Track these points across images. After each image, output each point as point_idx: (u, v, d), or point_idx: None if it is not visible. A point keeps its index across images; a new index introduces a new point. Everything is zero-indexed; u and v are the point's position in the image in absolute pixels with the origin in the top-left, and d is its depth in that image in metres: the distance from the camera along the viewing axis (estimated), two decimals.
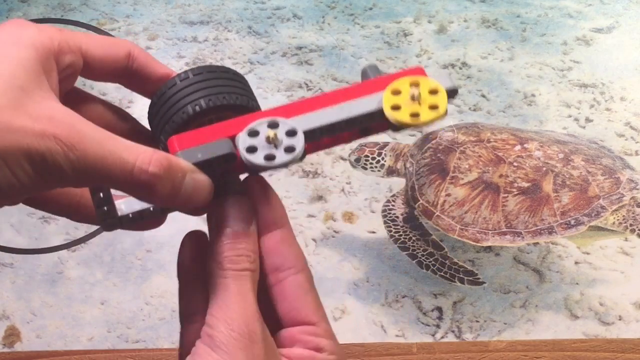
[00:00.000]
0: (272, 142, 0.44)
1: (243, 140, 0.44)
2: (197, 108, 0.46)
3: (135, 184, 0.36)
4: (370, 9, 2.40)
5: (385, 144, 1.37)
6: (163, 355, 0.79)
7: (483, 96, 1.93)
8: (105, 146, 0.35)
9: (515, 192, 1.17)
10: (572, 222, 1.14)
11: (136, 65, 0.42)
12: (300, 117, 0.47)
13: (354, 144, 1.67)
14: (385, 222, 1.26)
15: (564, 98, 1.91)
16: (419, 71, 0.49)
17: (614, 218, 1.15)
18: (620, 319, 1.27)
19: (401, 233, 1.24)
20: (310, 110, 0.48)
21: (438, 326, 1.27)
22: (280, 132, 0.45)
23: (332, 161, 1.66)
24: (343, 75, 2.03)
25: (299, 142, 0.45)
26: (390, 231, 1.25)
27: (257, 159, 0.43)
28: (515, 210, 1.16)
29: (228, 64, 2.07)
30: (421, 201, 1.23)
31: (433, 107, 0.44)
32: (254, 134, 0.45)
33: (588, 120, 1.82)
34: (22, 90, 0.35)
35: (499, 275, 1.36)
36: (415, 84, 0.46)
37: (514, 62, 2.08)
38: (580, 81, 1.97)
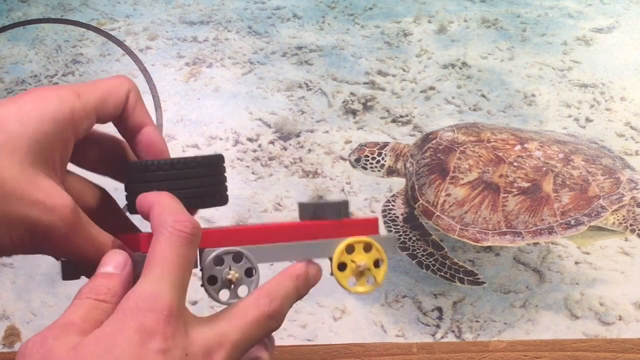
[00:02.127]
0: (232, 282, 0.50)
1: (208, 267, 0.50)
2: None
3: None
4: (370, 9, 2.40)
5: (385, 144, 1.37)
6: None
7: (483, 96, 1.93)
8: (93, 238, 0.43)
9: (515, 192, 1.16)
10: (572, 222, 1.14)
11: (127, 114, 0.46)
12: (259, 249, 0.53)
13: (354, 144, 1.67)
14: (385, 222, 1.26)
15: (564, 98, 1.91)
16: (372, 225, 0.55)
17: (614, 218, 1.15)
18: (620, 319, 1.27)
19: (401, 233, 1.24)
20: (269, 239, 0.54)
21: (438, 326, 1.27)
22: (241, 270, 0.51)
23: (332, 161, 1.66)
24: (343, 75, 2.03)
25: (252, 284, 0.51)
26: (390, 231, 1.25)
27: (213, 292, 0.49)
28: (515, 210, 1.16)
29: (228, 64, 2.08)
30: (421, 201, 1.23)
31: (370, 279, 0.53)
32: (219, 261, 0.51)
33: (588, 120, 1.82)
34: (36, 167, 0.39)
35: (499, 275, 1.36)
36: (368, 248, 0.53)
37: (514, 62, 2.08)
38: (580, 81, 1.97)
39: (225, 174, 0.58)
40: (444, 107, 1.90)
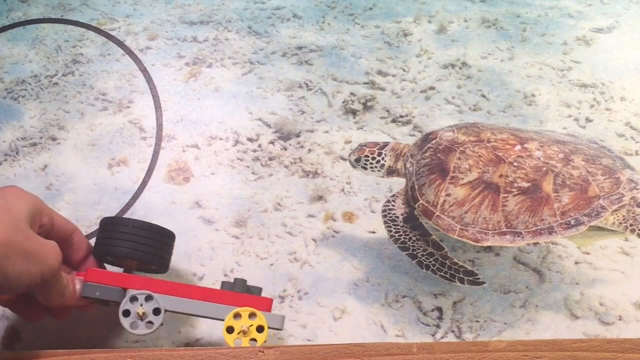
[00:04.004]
0: (140, 317, 0.72)
1: (124, 303, 0.75)
2: (127, 254, 0.79)
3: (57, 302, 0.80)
4: (370, 9, 2.40)
5: (385, 144, 1.37)
6: (163, 355, 0.79)
7: (483, 96, 1.93)
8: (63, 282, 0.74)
9: (515, 192, 1.16)
10: (572, 222, 1.14)
11: (75, 240, 0.82)
12: (170, 298, 0.75)
13: (354, 144, 1.67)
14: (385, 222, 1.26)
15: (564, 98, 1.91)
16: (266, 303, 0.83)
17: (614, 218, 1.15)
18: (620, 319, 1.27)
19: (401, 233, 1.24)
20: (181, 294, 0.75)
21: (438, 326, 1.27)
22: (150, 307, 0.72)
23: (332, 161, 1.66)
24: (343, 75, 2.03)
25: (158, 320, 0.74)
26: (390, 231, 1.25)
27: (125, 323, 0.75)
28: (515, 210, 1.16)
29: (228, 64, 2.07)
30: (421, 201, 1.23)
31: (253, 340, 0.74)
32: (133, 299, 0.73)
33: (588, 120, 1.82)
34: (30, 227, 0.60)
35: (499, 275, 1.36)
36: (253, 316, 0.75)
37: (514, 62, 2.09)
38: (580, 81, 1.97)
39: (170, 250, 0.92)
40: (444, 107, 1.90)
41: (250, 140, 1.75)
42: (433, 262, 1.20)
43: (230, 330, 0.71)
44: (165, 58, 2.13)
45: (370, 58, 2.13)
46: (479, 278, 1.19)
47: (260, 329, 0.74)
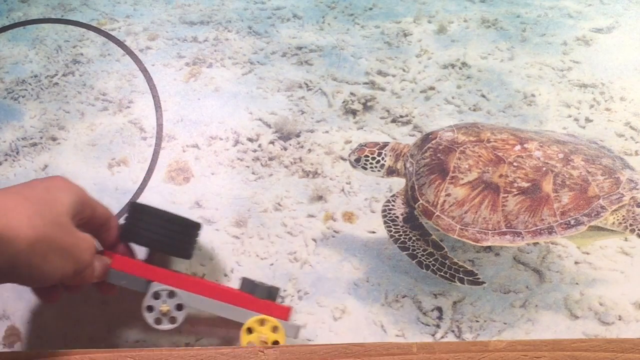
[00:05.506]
0: (164, 314, 0.73)
1: (148, 299, 0.74)
2: (150, 243, 0.79)
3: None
4: (370, 9, 2.41)
5: (385, 144, 1.37)
6: (163, 355, 0.79)
7: (483, 96, 1.93)
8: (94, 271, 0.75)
9: (515, 192, 1.17)
10: (572, 222, 1.14)
11: (111, 225, 0.80)
12: (193, 296, 0.76)
13: (354, 144, 1.67)
14: (385, 222, 1.26)
15: (564, 98, 1.91)
16: (284, 312, 0.88)
17: (614, 218, 1.15)
18: (620, 319, 1.27)
19: (401, 233, 1.24)
20: (204, 293, 0.76)
21: (438, 326, 1.27)
22: (172, 304, 0.73)
23: (332, 161, 1.66)
24: (343, 75, 2.03)
25: (181, 316, 0.75)
26: (390, 231, 1.25)
27: (149, 319, 0.74)
28: (515, 210, 1.16)
29: (228, 64, 2.08)
30: (421, 201, 1.23)
31: (275, 343, 0.79)
32: (157, 295, 0.73)
33: (588, 120, 1.82)
34: (72, 219, 0.63)
35: (499, 275, 1.36)
36: (275, 330, 0.80)
37: (514, 62, 2.09)
38: (580, 81, 1.98)
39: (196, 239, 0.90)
40: (444, 107, 1.90)
41: (250, 140, 1.75)
42: (433, 262, 1.20)
43: (249, 331, 0.75)
44: (165, 58, 2.13)
45: (370, 58, 2.13)
46: (478, 278, 1.19)
47: (276, 342, 0.79)
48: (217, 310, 0.76)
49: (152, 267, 0.75)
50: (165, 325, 0.73)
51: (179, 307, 0.71)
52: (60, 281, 0.63)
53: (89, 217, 0.66)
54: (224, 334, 1.03)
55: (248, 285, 0.82)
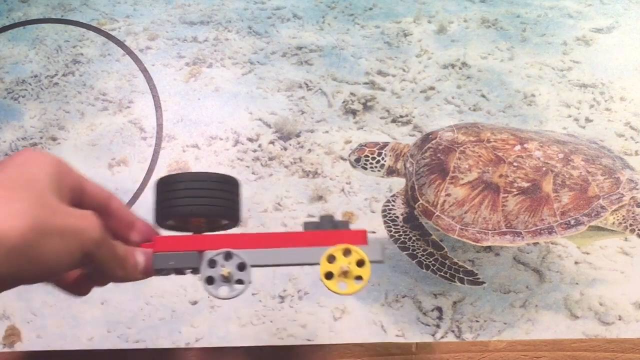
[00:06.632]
0: (226, 279, 0.60)
1: (203, 271, 0.60)
2: (192, 211, 0.62)
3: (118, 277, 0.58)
4: (370, 9, 2.41)
5: (385, 144, 1.37)
6: (163, 355, 0.79)
7: (483, 96, 1.93)
8: (115, 249, 0.56)
9: (515, 192, 1.16)
10: (572, 222, 1.14)
11: (114, 208, 0.60)
12: (251, 252, 0.62)
13: (354, 144, 1.67)
14: (385, 222, 1.26)
15: (563, 98, 1.91)
16: (360, 236, 0.63)
17: (614, 218, 1.15)
18: (620, 319, 1.27)
19: (401, 233, 1.24)
20: (262, 245, 0.63)
21: (438, 326, 1.27)
22: (233, 265, 0.60)
23: (332, 161, 1.66)
24: (343, 75, 2.03)
25: (247, 275, 0.60)
26: (390, 231, 1.25)
27: (214, 290, 0.59)
28: (515, 210, 1.16)
29: (228, 64, 2.08)
30: (421, 201, 1.23)
31: (358, 278, 0.61)
32: (212, 263, 0.60)
33: (588, 120, 1.82)
34: (58, 196, 0.51)
35: (499, 275, 1.36)
36: (347, 253, 0.61)
37: (514, 62, 2.09)
38: (580, 81, 1.97)
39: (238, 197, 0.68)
40: (443, 107, 1.90)
41: (250, 140, 1.75)
42: (433, 262, 1.20)
43: (329, 276, 0.60)
44: (165, 58, 2.13)
45: (370, 58, 2.13)
46: (478, 278, 1.19)
47: (360, 263, 0.61)
48: (283, 259, 0.63)
49: (199, 236, 0.64)
50: (234, 291, 0.59)
51: (241, 266, 0.60)
52: (73, 268, 0.52)
53: (78, 194, 0.56)
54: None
55: (311, 224, 0.67)
